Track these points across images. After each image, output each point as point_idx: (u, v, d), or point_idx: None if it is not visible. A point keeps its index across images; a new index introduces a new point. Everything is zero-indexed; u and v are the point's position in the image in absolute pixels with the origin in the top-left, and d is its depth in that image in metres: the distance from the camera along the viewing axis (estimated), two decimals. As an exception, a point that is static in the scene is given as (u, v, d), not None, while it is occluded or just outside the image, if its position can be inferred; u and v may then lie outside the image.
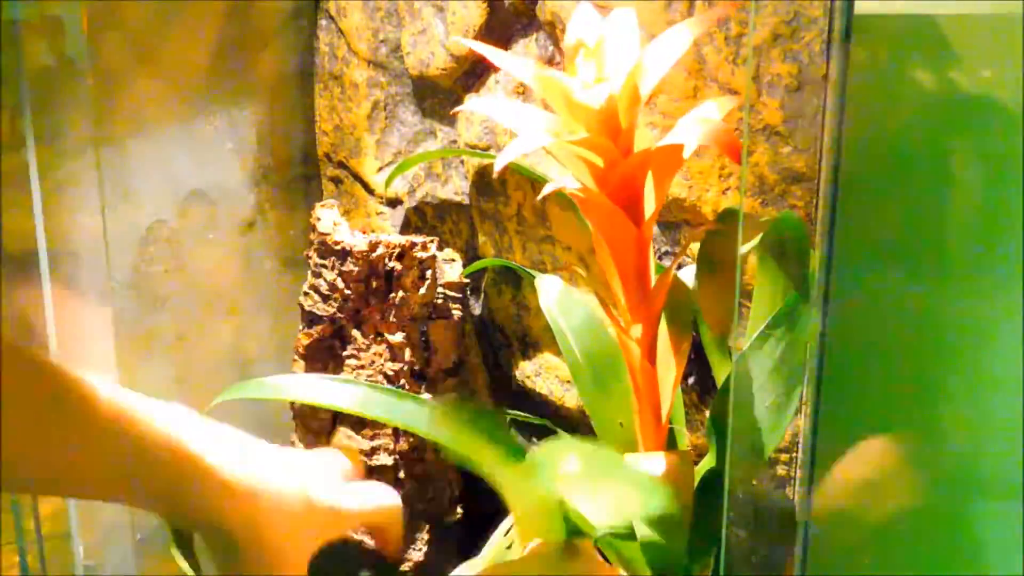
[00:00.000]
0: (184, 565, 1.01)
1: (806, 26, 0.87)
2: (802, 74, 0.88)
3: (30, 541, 1.00)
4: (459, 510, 1.17)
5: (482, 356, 1.28)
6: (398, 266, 1.10)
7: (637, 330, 0.85)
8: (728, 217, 0.90)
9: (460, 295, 1.16)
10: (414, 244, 1.11)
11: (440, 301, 1.14)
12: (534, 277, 1.07)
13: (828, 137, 0.66)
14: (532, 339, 1.20)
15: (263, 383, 1.01)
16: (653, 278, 0.86)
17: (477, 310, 1.27)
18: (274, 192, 1.37)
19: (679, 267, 0.99)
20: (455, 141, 1.23)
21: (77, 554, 1.09)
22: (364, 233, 1.13)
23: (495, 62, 0.86)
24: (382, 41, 1.28)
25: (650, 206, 0.83)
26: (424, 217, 1.31)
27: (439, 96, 1.24)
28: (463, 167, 1.24)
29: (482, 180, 1.20)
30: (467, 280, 1.18)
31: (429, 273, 1.11)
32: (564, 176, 0.89)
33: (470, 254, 1.25)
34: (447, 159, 1.26)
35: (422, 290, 1.11)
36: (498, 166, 0.76)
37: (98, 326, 1.13)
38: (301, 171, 1.42)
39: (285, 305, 1.19)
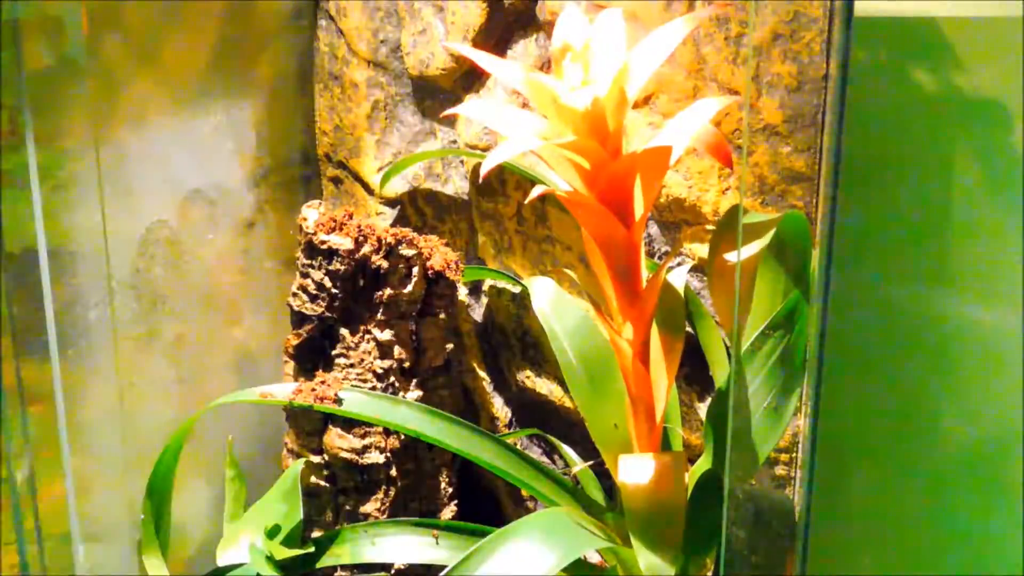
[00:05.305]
0: (155, 568, 1.00)
1: (806, 26, 0.87)
2: (802, 74, 0.88)
3: (30, 541, 1.00)
4: (454, 507, 1.17)
5: (482, 356, 1.27)
6: (384, 264, 1.09)
7: (629, 331, 0.85)
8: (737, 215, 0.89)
9: (448, 292, 1.15)
10: (400, 241, 1.10)
11: (429, 299, 1.14)
12: (522, 285, 1.06)
13: (828, 137, 0.66)
14: (532, 339, 1.20)
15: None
16: (645, 279, 0.85)
17: (477, 311, 1.27)
18: (274, 192, 1.37)
19: (677, 266, 0.99)
20: (455, 141, 1.23)
21: (77, 554, 1.09)
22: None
23: (484, 66, 0.85)
24: (382, 41, 1.28)
25: (640, 207, 0.83)
26: (424, 217, 1.31)
27: (439, 96, 1.24)
28: (463, 167, 1.24)
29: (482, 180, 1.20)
30: (458, 277, 1.17)
31: (416, 271, 1.11)
32: (558, 178, 0.89)
33: (470, 254, 1.25)
34: (447, 159, 1.26)
35: (408, 287, 1.11)
36: (484, 171, 0.75)
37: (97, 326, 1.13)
38: (301, 171, 1.42)
39: (285, 305, 1.19)
